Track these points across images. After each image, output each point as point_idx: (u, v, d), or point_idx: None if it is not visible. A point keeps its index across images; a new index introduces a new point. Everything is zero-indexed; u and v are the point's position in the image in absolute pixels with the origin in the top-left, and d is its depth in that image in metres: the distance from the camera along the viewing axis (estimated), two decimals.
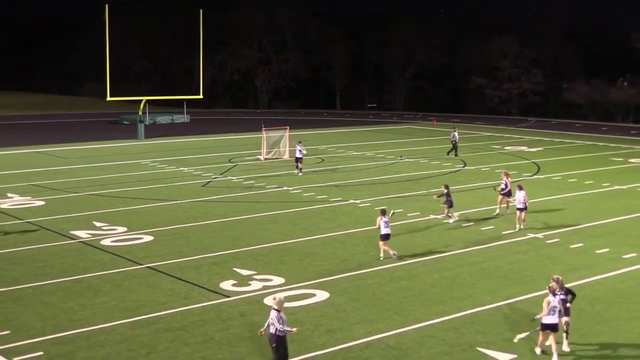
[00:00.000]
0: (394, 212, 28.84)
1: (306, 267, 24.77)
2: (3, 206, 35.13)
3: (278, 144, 53.29)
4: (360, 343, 18.20)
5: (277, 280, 23.23)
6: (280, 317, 15.96)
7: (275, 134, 54.10)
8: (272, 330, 15.97)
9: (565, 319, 17.28)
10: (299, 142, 46.77)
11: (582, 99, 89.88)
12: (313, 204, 35.79)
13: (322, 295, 21.74)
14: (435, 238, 28.85)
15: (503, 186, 33.02)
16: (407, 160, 51.44)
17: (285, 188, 39.94)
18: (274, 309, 16.11)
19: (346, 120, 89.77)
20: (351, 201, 36.09)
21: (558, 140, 65.90)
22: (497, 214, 32.66)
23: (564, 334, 17.29)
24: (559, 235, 29.01)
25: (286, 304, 20.80)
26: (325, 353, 17.61)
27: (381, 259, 25.73)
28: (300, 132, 66.51)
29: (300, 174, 44.66)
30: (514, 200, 30.97)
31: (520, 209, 30.05)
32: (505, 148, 58.28)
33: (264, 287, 22.49)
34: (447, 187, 31.62)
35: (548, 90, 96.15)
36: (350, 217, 32.56)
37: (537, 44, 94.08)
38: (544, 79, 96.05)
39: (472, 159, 51.79)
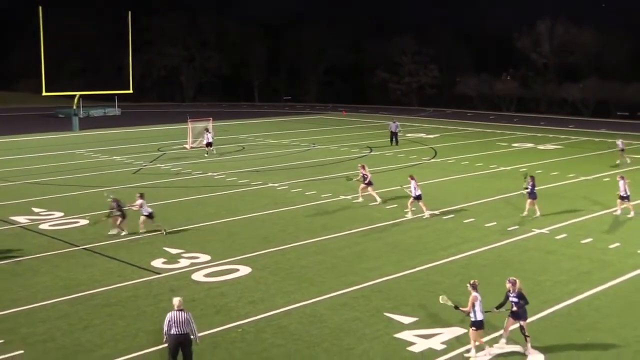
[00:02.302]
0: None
1: (230, 245, 24.68)
2: None
3: (202, 134, 52.76)
4: (280, 312, 18.26)
5: (204, 257, 23.08)
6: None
7: (199, 124, 53.57)
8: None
9: (521, 322, 15.74)
10: (206, 129, 49.18)
11: (473, 91, 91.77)
12: (235, 187, 35.63)
13: (244, 270, 21.70)
14: (344, 217, 29.07)
15: (363, 176, 31.87)
16: (319, 147, 51.63)
17: (209, 174, 39.63)
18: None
19: (264, 111, 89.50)
20: (270, 184, 36.06)
21: (452, 127, 67.14)
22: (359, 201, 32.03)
23: (525, 338, 15.81)
24: (454, 212, 29.60)
25: (211, 279, 20.81)
26: (248, 322, 17.61)
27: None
28: (222, 123, 66.06)
29: (214, 152, 47.50)
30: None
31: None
32: (407, 135, 59.04)
33: (192, 264, 22.32)
34: (532, 178, 28.84)
35: (443, 83, 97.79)
36: (269, 199, 32.54)
37: (433, 42, 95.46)
38: (440, 73, 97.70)
39: (377, 145, 52.30)
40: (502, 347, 15.93)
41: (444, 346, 15.99)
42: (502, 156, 46.86)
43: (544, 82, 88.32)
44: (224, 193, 34.26)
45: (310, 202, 31.90)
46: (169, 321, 14.43)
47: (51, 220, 28.39)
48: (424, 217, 28.67)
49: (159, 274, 21.46)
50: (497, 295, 16.49)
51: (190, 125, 52.71)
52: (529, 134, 61.69)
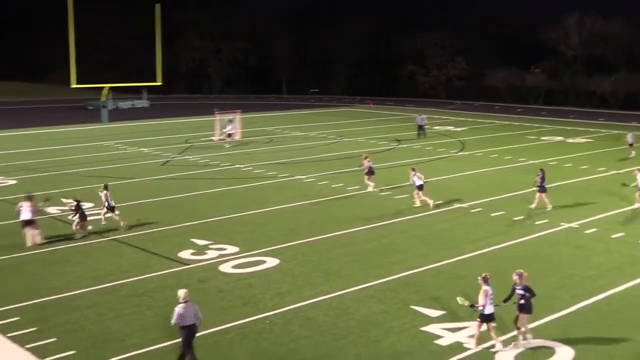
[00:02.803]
0: None
1: (258, 237, 24.77)
2: None
3: (226, 124, 52.90)
4: (307, 304, 18.31)
5: (232, 249, 23.19)
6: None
7: (227, 116, 53.72)
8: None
9: (524, 314, 15.61)
10: (230, 120, 50.57)
11: (500, 83, 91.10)
12: (263, 179, 35.73)
13: (272, 262, 21.78)
14: (372, 209, 29.04)
15: (366, 167, 32.48)
16: (346, 139, 51.59)
17: (237, 166, 39.77)
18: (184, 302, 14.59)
19: (291, 104, 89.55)
20: (297, 177, 36.12)
21: (480, 120, 66.74)
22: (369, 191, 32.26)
23: (516, 328, 15.84)
24: (482, 205, 29.45)
25: (239, 271, 20.92)
26: (276, 313, 17.68)
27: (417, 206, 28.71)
28: (249, 115, 66.18)
29: (227, 146, 48.19)
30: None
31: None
32: (434, 128, 58.80)
33: (220, 256, 22.44)
34: (542, 171, 28.95)
35: (471, 76, 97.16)
36: (296, 191, 32.60)
37: (461, 35, 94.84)
38: (467, 66, 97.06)
39: (404, 137, 52.14)
40: (529, 342, 15.79)
41: (471, 340, 15.93)
42: (531, 149, 46.50)
43: (573, 74, 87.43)
44: (251, 185, 34.37)
45: (338, 194, 31.90)
46: (180, 314, 14.49)
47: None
48: (415, 205, 29.15)
49: (187, 265, 21.61)
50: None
51: (218, 117, 52.89)
52: (558, 127, 61.15)
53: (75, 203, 25.33)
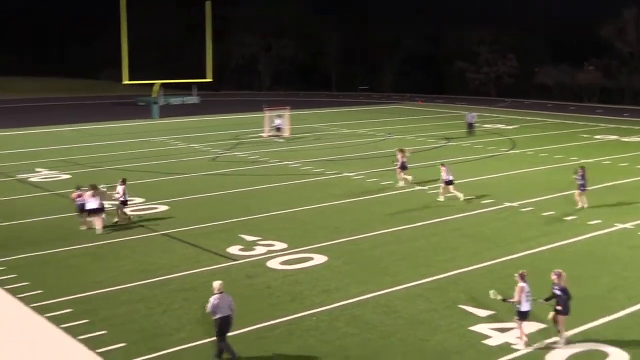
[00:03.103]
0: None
1: (305, 234, 24.79)
2: (33, 179, 35.10)
3: (273, 119, 53.10)
4: (354, 301, 18.26)
5: (280, 245, 23.25)
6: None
7: (276, 113, 53.92)
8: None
9: (561, 315, 15.42)
10: (278, 116, 51.03)
11: (552, 81, 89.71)
12: (310, 176, 35.77)
13: (319, 259, 21.78)
14: (421, 206, 28.85)
15: (400, 161, 32.99)
16: (395, 137, 51.36)
17: (285, 162, 39.89)
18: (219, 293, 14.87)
19: (340, 101, 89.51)
20: (345, 174, 36.07)
21: (531, 118, 65.82)
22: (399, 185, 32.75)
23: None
24: (532, 204, 29.03)
25: (287, 267, 20.96)
26: (323, 310, 17.67)
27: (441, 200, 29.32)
28: (299, 112, 66.31)
29: (281, 140, 49.07)
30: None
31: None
32: (484, 125, 58.19)
33: (268, 252, 22.52)
34: (582, 168, 28.53)
35: (521, 73, 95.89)
36: (344, 189, 32.55)
37: (512, 31, 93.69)
38: (518, 63, 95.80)
39: (454, 135, 51.70)
40: (563, 341, 15.46)
41: (519, 340, 15.69)
42: (584, 148, 45.69)
43: (629, 72, 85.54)
44: (299, 182, 34.44)
45: (386, 192, 31.77)
46: (215, 304, 14.76)
47: (132, 206, 29.02)
48: (460, 200, 29.26)
49: (235, 260, 21.73)
50: (577, 291, 16.11)
51: (267, 113, 53.12)
52: (612, 125, 59.96)
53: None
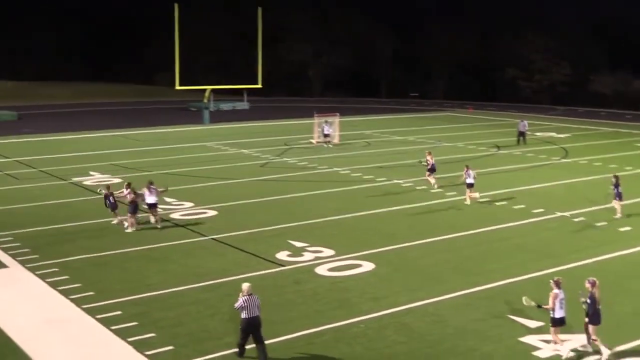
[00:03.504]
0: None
1: (354, 240, 24.79)
2: (86, 182, 35.76)
3: (321, 125, 53.15)
4: (403, 309, 18.20)
5: (328, 251, 23.28)
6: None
7: (324, 119, 53.98)
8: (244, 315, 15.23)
9: (590, 324, 15.41)
10: (326, 122, 50.98)
11: (608, 89, 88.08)
12: (360, 183, 35.75)
13: (368, 266, 21.76)
14: (470, 215, 28.65)
15: (429, 163, 33.94)
16: (445, 144, 51.04)
17: (335, 169, 39.94)
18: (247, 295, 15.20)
19: (390, 107, 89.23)
20: (395, 181, 35.96)
21: (584, 127, 64.74)
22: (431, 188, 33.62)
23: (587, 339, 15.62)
24: (585, 214, 28.55)
25: (335, 274, 20.99)
26: (371, 318, 17.65)
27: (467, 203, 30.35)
28: (348, 118, 66.29)
29: (330, 146, 49.48)
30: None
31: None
32: (536, 134, 57.44)
33: (316, 258, 22.57)
34: (616, 177, 28.58)
35: (575, 81, 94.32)
36: (394, 196, 32.46)
37: (566, 38, 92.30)
38: (572, 71, 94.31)
39: (504, 143, 51.15)
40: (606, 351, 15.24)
41: (572, 354, 15.45)
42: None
43: None
44: (348, 188, 34.45)
45: (436, 199, 31.60)
46: (242, 306, 15.12)
47: (182, 210, 29.42)
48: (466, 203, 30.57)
49: (284, 266, 21.84)
50: (631, 304, 15.81)
51: (317, 120, 53.25)
52: None
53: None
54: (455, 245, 24.28)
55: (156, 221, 26.90)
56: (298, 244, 24.13)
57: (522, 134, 51.42)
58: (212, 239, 25.09)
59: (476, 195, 30.93)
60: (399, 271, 21.31)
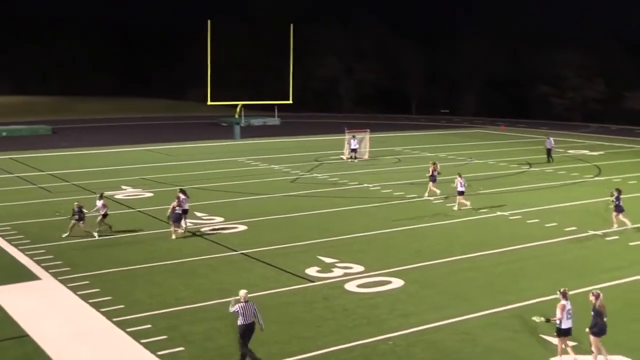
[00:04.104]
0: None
1: (383, 257, 24.72)
2: (118, 197, 36.11)
3: (359, 145, 53.25)
4: (431, 327, 18.09)
5: (357, 268, 23.24)
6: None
7: (357, 136, 54.03)
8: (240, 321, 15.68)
9: (593, 336, 15.75)
10: (353, 137, 51.53)
11: None
12: (390, 199, 35.68)
13: (397, 283, 21.68)
14: (502, 233, 28.44)
15: (432, 174, 35.69)
16: (476, 161, 50.79)
17: (365, 185, 39.91)
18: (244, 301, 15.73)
19: (421, 124, 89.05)
20: (425, 198, 35.83)
21: (618, 144, 64.05)
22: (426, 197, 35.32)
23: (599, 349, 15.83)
24: (619, 233, 28.21)
25: (364, 290, 20.93)
26: (399, 335, 17.56)
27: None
28: (378, 135, 66.30)
29: (356, 161, 50.21)
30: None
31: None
32: (568, 151, 56.97)
33: (345, 274, 22.54)
34: (618, 191, 29.09)
35: (609, 98, 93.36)
36: (424, 212, 32.34)
37: (600, 54, 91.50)
38: (606, 87, 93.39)
39: (536, 161, 50.77)
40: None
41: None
42: None
43: None
44: (378, 205, 34.39)
45: (466, 217, 31.42)
46: (238, 312, 15.60)
47: (212, 225, 29.56)
48: (454, 209, 32.46)
49: (313, 282, 21.83)
50: None
51: (347, 136, 53.31)
52: None
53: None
54: (486, 262, 24.10)
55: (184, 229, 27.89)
56: (327, 260, 24.12)
57: (549, 151, 51.03)
58: (242, 253, 25.17)
59: (467, 203, 32.60)
60: (428, 288, 21.20)
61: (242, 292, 15.90)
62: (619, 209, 28.57)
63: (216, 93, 65.76)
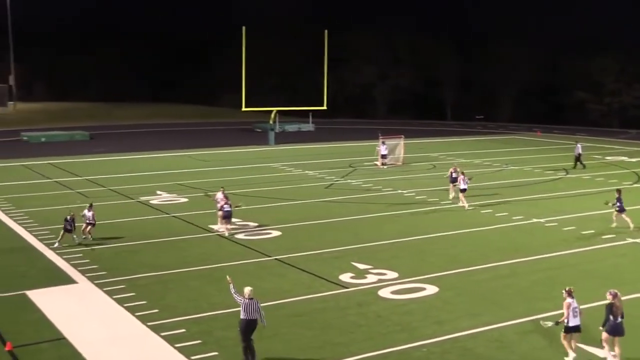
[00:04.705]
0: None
1: (418, 263, 24.61)
2: (153, 202, 36.41)
3: (394, 151, 53.11)
4: (466, 334, 17.95)
5: (391, 274, 23.16)
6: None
7: (391, 142, 53.91)
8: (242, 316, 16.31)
9: (604, 335, 16.30)
10: (383, 142, 51.32)
11: None
12: (424, 205, 35.52)
13: (431, 290, 21.56)
14: (538, 240, 28.15)
15: (453, 178, 36.76)
16: (512, 167, 50.36)
17: (399, 191, 39.78)
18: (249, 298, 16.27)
19: (456, 130, 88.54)
20: (459, 204, 35.59)
21: None
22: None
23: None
24: None
25: (398, 297, 20.84)
26: (433, 342, 17.45)
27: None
28: (414, 140, 66.03)
29: (385, 167, 49.96)
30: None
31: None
32: (606, 158, 56.23)
33: (379, 280, 22.47)
34: (618, 191, 30.56)
35: None
36: (458, 219, 32.14)
37: (638, 59, 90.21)
38: None
39: (572, 166, 50.13)
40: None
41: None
42: None
43: None
44: (413, 211, 34.24)
45: (502, 223, 31.17)
46: (241, 308, 16.15)
47: (246, 230, 29.67)
48: (465, 208, 33.85)
49: (347, 288, 21.79)
50: None
51: (381, 142, 53.15)
52: None
53: (71, 217, 27.19)
54: (521, 269, 23.86)
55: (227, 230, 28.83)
56: (361, 266, 24.07)
57: (577, 157, 50.44)
58: (276, 259, 25.22)
59: (465, 205, 34.34)
60: (462, 295, 21.04)
61: (247, 290, 16.30)
62: (620, 209, 29.68)
63: (250, 99, 66.10)
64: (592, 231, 29.32)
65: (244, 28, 63.60)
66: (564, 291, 16.47)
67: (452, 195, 36.84)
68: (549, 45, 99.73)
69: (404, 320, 18.91)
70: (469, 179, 35.42)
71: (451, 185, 37.08)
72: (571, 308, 16.09)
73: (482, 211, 33.84)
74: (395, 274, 23.13)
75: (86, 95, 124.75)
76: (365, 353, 16.67)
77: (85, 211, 27.84)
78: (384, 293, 21.22)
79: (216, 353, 16.72)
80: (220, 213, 29.17)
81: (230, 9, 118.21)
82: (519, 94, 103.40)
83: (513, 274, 23.37)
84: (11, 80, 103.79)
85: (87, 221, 27.65)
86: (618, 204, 29.79)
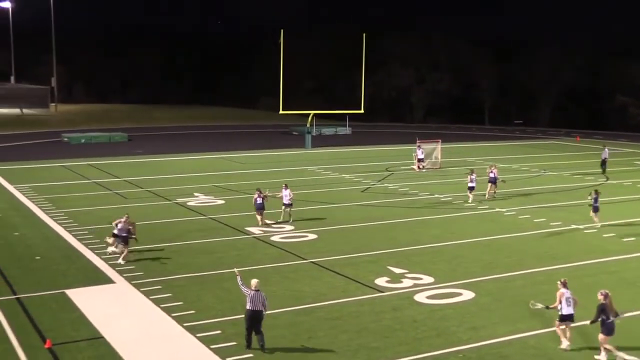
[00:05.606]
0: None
1: (454, 268, 24.49)
2: (190, 203, 36.71)
3: (431, 155, 52.92)
4: (502, 341, 17.82)
5: (427, 279, 23.08)
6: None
7: (428, 146, 53.72)
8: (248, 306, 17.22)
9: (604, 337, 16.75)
10: (419, 146, 51.68)
11: None
12: (462, 210, 35.32)
13: (467, 295, 21.44)
14: (576, 246, 27.83)
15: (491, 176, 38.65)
16: (550, 173, 49.85)
17: (436, 195, 39.60)
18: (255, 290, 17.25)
19: (494, 135, 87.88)
20: (497, 209, 35.35)
21: None
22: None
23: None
24: None
25: (434, 301, 20.76)
26: (469, 348, 17.36)
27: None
28: (450, 145, 65.70)
29: (423, 170, 50.45)
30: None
31: None
32: None
33: (415, 285, 22.41)
34: (596, 192, 31.74)
35: None
36: (495, 224, 31.92)
37: None
38: None
39: (615, 173, 49.51)
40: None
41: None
42: None
43: None
44: (449, 215, 34.09)
45: (539, 229, 30.87)
46: (247, 298, 17.15)
47: (282, 233, 29.78)
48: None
49: (382, 292, 21.76)
50: None
51: (417, 146, 52.98)
52: None
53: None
54: (558, 276, 23.48)
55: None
56: (397, 271, 24.02)
57: (603, 161, 49.79)
58: (312, 262, 25.27)
59: (469, 201, 36.73)
60: (499, 301, 20.89)
61: (254, 281, 17.40)
62: (594, 209, 31.16)
63: (288, 102, 66.32)
64: (633, 238, 28.91)
65: (282, 31, 63.87)
66: (559, 282, 17.55)
67: (487, 196, 38.25)
68: (590, 48, 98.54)
69: (439, 326, 18.83)
70: (503, 181, 38.74)
71: (489, 185, 38.60)
72: (564, 297, 17.16)
73: (519, 217, 33.55)
74: (431, 279, 23.05)
75: (125, 97, 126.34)
76: (401, 357, 16.63)
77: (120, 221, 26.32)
78: (420, 298, 21.16)
79: (251, 355, 16.81)
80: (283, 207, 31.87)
81: (269, 12, 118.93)
82: (559, 99, 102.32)
83: (550, 280, 23.06)
84: (53, 82, 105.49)
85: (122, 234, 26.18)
86: (594, 204, 31.20)
